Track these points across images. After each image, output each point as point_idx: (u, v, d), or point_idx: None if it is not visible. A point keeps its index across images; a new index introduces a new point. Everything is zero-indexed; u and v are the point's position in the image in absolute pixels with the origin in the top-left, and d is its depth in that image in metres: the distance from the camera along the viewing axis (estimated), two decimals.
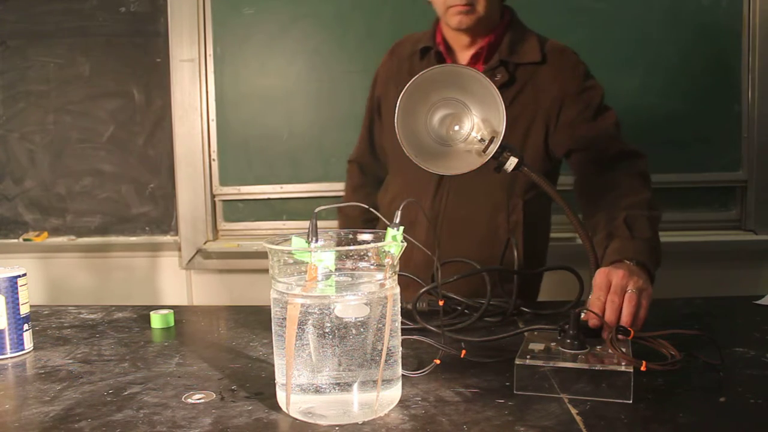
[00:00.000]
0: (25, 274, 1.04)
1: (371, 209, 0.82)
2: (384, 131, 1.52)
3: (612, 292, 0.96)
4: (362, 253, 0.75)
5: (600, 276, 0.99)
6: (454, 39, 1.41)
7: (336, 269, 0.73)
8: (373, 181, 1.61)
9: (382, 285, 0.75)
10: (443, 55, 1.41)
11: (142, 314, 1.28)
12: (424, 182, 1.39)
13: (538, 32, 1.43)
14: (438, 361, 0.88)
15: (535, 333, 0.93)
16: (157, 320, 1.19)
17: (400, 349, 0.79)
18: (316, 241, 0.78)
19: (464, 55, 1.41)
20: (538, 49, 1.37)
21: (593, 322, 0.94)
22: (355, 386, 0.74)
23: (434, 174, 1.36)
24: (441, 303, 0.92)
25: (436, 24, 1.44)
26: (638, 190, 1.22)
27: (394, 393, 0.78)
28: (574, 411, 0.75)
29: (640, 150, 1.32)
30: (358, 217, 1.54)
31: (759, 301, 1.24)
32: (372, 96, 1.56)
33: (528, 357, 0.82)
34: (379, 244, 0.77)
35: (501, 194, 1.38)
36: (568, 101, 1.35)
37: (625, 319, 0.93)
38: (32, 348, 1.07)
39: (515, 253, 1.18)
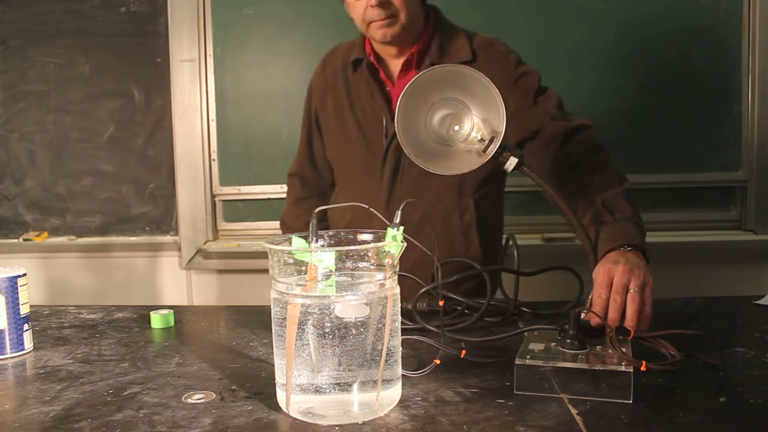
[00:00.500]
0: (25, 274, 1.05)
1: (372, 210, 0.82)
2: (327, 144, 1.51)
3: (614, 291, 0.96)
4: (362, 253, 0.75)
5: (601, 274, 0.98)
6: (383, 49, 1.41)
7: (336, 269, 0.73)
8: (316, 193, 1.60)
9: (382, 285, 0.75)
10: (374, 66, 1.41)
11: (142, 314, 1.28)
12: (374, 192, 1.39)
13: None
14: (438, 361, 0.88)
15: (535, 333, 0.93)
16: (157, 320, 1.19)
17: (400, 349, 0.79)
18: (316, 241, 0.78)
19: (395, 64, 1.41)
20: (468, 47, 1.37)
21: (595, 321, 0.94)
22: (355, 386, 0.74)
23: (384, 182, 1.38)
24: (441, 303, 0.92)
25: (365, 35, 1.43)
26: (602, 166, 1.20)
27: (394, 393, 0.78)
28: (574, 411, 0.75)
29: (586, 122, 1.31)
30: (300, 229, 1.54)
31: (759, 301, 1.24)
32: (308, 109, 1.55)
33: (528, 357, 0.82)
34: (379, 244, 0.77)
35: (451, 196, 1.39)
36: (505, 93, 1.32)
37: (631, 320, 0.93)
38: (32, 348, 1.07)
39: (515, 253, 1.18)
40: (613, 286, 0.96)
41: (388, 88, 1.41)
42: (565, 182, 1.22)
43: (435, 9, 1.43)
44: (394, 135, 1.36)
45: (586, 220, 1.14)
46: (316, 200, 1.59)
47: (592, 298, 0.99)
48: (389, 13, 1.29)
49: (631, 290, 0.95)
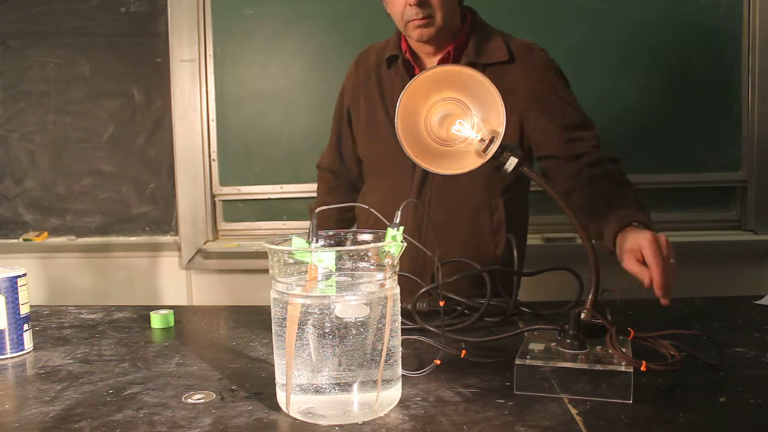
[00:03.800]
0: (25, 274, 1.05)
1: (372, 210, 0.82)
2: (358, 141, 1.53)
3: (662, 258, 1.00)
4: (362, 253, 0.75)
5: (648, 239, 1.01)
6: (419, 47, 1.41)
7: (336, 269, 0.73)
8: (346, 183, 1.63)
9: (382, 285, 0.75)
10: (410, 63, 1.41)
11: (142, 314, 1.28)
12: (405, 188, 1.39)
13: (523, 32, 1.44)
14: (438, 362, 0.88)
15: (535, 333, 0.93)
16: (157, 320, 1.19)
17: (400, 349, 0.79)
18: (317, 241, 0.78)
19: (431, 61, 1.42)
20: (505, 48, 1.37)
21: (648, 281, 1.00)
22: (355, 386, 0.74)
23: (414, 179, 1.39)
24: (442, 303, 0.92)
25: (400, 33, 1.44)
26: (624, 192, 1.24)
27: (394, 393, 0.78)
28: (574, 411, 0.75)
29: (612, 155, 1.34)
30: (332, 217, 1.57)
31: (759, 301, 1.24)
32: (340, 107, 1.57)
33: (528, 357, 0.82)
34: (379, 244, 0.77)
35: (482, 195, 1.40)
36: (546, 102, 1.36)
37: (669, 286, 0.99)
38: (32, 348, 1.07)
39: (515, 253, 1.18)
40: (652, 251, 1.00)
41: None
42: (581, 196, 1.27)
43: (472, 10, 1.44)
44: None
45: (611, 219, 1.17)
46: (347, 190, 1.62)
47: (591, 297, 0.99)
48: (427, 13, 1.30)
49: (672, 261, 1.01)
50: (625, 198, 1.19)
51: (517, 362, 0.81)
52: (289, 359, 0.74)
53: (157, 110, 2.34)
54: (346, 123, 1.55)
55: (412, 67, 1.42)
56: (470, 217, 1.40)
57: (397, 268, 0.78)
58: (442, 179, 1.37)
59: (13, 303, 1.02)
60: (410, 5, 1.29)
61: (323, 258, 0.72)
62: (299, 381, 0.74)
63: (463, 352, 0.91)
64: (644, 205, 1.20)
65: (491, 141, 0.95)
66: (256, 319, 1.23)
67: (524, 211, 1.51)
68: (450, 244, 1.37)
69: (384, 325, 0.74)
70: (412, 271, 1.22)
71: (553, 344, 0.86)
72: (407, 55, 1.42)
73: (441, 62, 1.39)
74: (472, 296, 1.19)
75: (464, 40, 1.39)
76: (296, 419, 0.75)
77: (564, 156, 1.34)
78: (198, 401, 0.82)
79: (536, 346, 0.86)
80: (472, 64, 1.34)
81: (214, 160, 2.32)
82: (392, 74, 1.44)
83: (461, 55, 1.38)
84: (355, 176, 1.60)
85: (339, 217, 1.58)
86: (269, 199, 2.33)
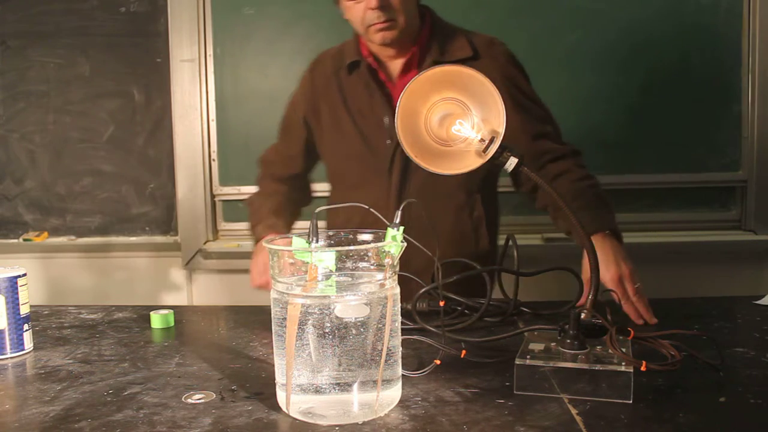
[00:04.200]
0: (25, 274, 1.05)
1: (372, 210, 0.82)
2: (323, 151, 1.49)
3: (632, 294, 1.14)
4: (362, 253, 0.75)
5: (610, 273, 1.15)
6: (381, 51, 1.39)
7: (336, 269, 0.73)
8: (290, 183, 1.57)
9: (382, 285, 0.75)
10: (373, 67, 1.39)
11: (142, 314, 1.28)
12: (383, 194, 1.38)
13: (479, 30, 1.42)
14: (438, 362, 0.88)
15: (535, 333, 0.93)
16: (157, 320, 1.19)
17: (400, 349, 0.79)
18: (317, 241, 0.78)
19: (395, 65, 1.40)
20: (468, 45, 1.37)
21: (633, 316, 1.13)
22: (355, 386, 0.74)
23: (392, 186, 1.38)
24: (442, 304, 0.92)
25: (358, 37, 1.42)
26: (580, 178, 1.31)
27: (394, 393, 0.78)
28: (574, 411, 0.75)
29: (573, 147, 1.38)
30: (286, 201, 1.53)
31: (759, 301, 1.24)
32: (293, 119, 1.52)
33: (528, 357, 0.82)
34: (379, 244, 0.77)
35: (461, 194, 1.40)
36: (510, 98, 1.35)
37: (649, 316, 1.13)
38: (32, 348, 1.07)
39: (515, 253, 1.18)
40: (630, 290, 1.15)
41: (388, 89, 1.40)
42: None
43: (429, 9, 1.42)
44: None
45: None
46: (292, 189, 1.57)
47: (591, 297, 0.99)
48: (388, 16, 1.28)
49: (638, 286, 1.15)
50: (586, 196, 1.26)
51: (517, 362, 0.81)
52: (289, 359, 0.74)
53: (157, 110, 2.34)
54: (302, 131, 1.50)
55: (376, 71, 1.39)
56: (453, 217, 1.40)
57: (397, 268, 0.78)
58: (421, 183, 1.37)
59: (13, 303, 1.02)
60: (371, 9, 1.27)
61: (323, 258, 0.72)
62: (299, 381, 0.74)
63: (463, 352, 0.91)
64: (607, 200, 1.28)
65: (491, 141, 0.95)
66: (256, 319, 1.23)
67: (497, 206, 1.51)
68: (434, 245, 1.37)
69: (384, 325, 0.74)
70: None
71: (553, 344, 0.86)
72: (370, 60, 1.39)
73: (406, 65, 1.38)
74: (458, 290, 1.19)
75: (426, 39, 1.38)
76: (296, 419, 0.75)
77: (529, 153, 1.33)
78: (198, 401, 0.81)
79: (536, 346, 0.86)
80: (438, 63, 1.34)
81: (214, 160, 2.32)
82: (354, 80, 1.41)
83: (425, 55, 1.37)
84: (298, 175, 1.57)
85: (290, 197, 1.55)
86: None
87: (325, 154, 1.50)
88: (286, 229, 1.49)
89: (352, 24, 1.36)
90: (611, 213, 1.26)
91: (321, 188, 2.13)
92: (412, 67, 1.38)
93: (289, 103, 1.56)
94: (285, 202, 1.53)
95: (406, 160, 1.37)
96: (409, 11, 1.32)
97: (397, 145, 1.37)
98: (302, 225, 1.54)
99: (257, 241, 1.45)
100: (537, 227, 2.17)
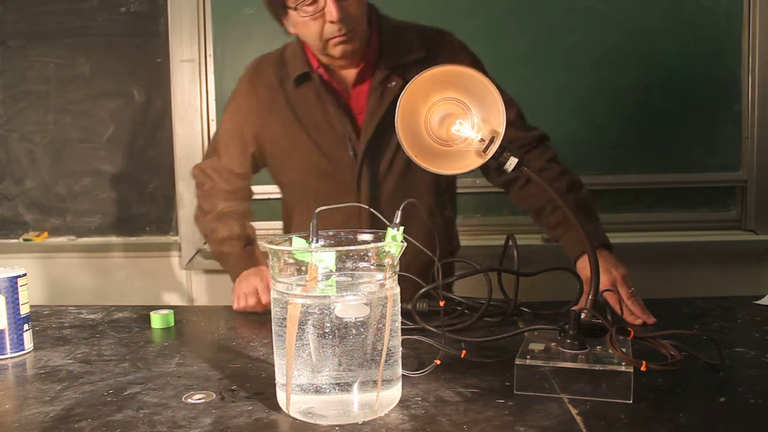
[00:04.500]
0: (25, 274, 1.05)
1: (372, 210, 0.82)
2: (281, 169, 1.43)
3: (626, 298, 1.14)
4: (362, 254, 0.75)
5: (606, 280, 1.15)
6: (334, 61, 1.31)
7: (336, 269, 0.73)
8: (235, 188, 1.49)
9: (382, 285, 0.75)
10: (326, 79, 1.32)
11: (142, 314, 1.28)
12: (355, 209, 1.31)
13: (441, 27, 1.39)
14: (438, 362, 0.88)
15: (535, 333, 0.93)
16: (157, 320, 1.19)
17: (400, 349, 0.79)
18: (317, 241, 0.78)
19: (349, 74, 1.34)
20: (420, 44, 1.33)
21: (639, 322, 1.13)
22: (355, 386, 0.74)
23: (362, 199, 1.32)
24: (442, 304, 0.92)
25: (303, 45, 1.34)
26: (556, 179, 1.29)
27: (394, 393, 0.78)
28: (574, 411, 0.75)
29: (544, 135, 1.36)
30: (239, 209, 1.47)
31: (759, 301, 1.24)
32: (237, 135, 1.42)
33: (528, 357, 0.82)
34: (380, 244, 0.77)
35: (432, 196, 1.40)
36: None
37: (646, 317, 1.13)
38: (32, 348, 1.07)
39: (515, 253, 1.18)
40: (625, 294, 1.15)
41: (344, 99, 1.34)
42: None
43: (374, 8, 1.35)
44: (366, 150, 1.31)
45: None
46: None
47: (591, 297, 0.99)
48: (348, 28, 1.22)
49: (633, 290, 1.15)
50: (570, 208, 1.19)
51: (517, 362, 0.81)
52: (289, 359, 0.74)
53: (157, 110, 2.34)
54: (249, 148, 1.42)
55: (330, 84, 1.33)
56: (428, 217, 1.38)
57: (397, 268, 0.78)
58: (392, 192, 1.35)
59: (13, 303, 1.02)
60: (332, 22, 1.20)
61: (323, 258, 0.72)
62: (299, 381, 0.74)
63: (463, 352, 0.92)
64: (591, 207, 1.28)
65: (491, 141, 0.95)
66: (256, 319, 1.23)
67: (455, 205, 1.51)
68: (412, 247, 1.36)
69: (384, 325, 0.74)
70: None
71: (553, 344, 0.86)
72: (321, 71, 1.32)
73: (360, 73, 1.32)
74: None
75: (377, 45, 1.33)
76: (296, 419, 0.75)
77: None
78: (198, 401, 0.82)
79: (536, 346, 0.86)
80: (394, 67, 1.30)
81: None
82: (305, 93, 1.34)
83: (379, 61, 1.31)
84: (243, 187, 1.49)
85: (245, 211, 1.48)
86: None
87: (282, 173, 1.43)
88: (256, 245, 1.44)
89: (304, 39, 1.29)
90: (598, 222, 1.26)
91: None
92: (367, 75, 1.33)
93: (227, 116, 1.45)
94: (242, 220, 1.46)
95: (374, 171, 1.34)
96: (364, 19, 1.27)
97: (364, 157, 1.32)
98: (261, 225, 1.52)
99: (236, 275, 1.38)
100: (537, 227, 2.17)
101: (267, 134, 1.40)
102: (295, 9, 1.22)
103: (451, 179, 1.47)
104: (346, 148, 1.34)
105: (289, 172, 1.42)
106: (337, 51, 1.26)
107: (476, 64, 1.36)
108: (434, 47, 1.34)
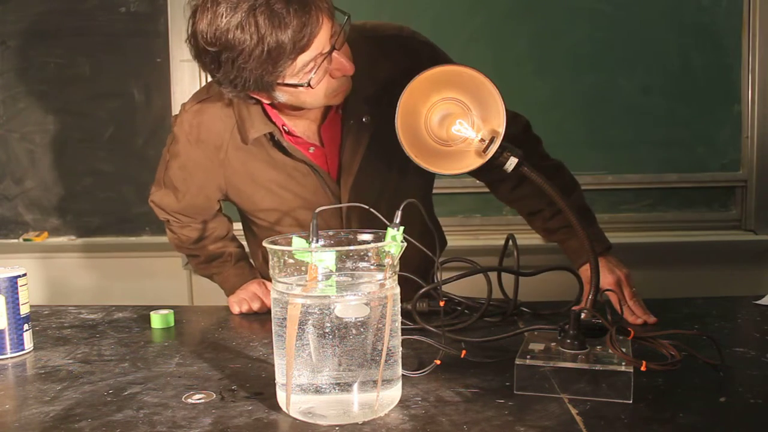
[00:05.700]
0: (25, 274, 1.05)
1: (372, 210, 0.82)
2: (257, 209, 1.29)
3: (629, 298, 1.16)
4: (362, 254, 0.75)
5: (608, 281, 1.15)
6: (305, 113, 1.17)
7: (336, 269, 0.73)
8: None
9: (382, 285, 0.75)
10: (295, 134, 1.19)
11: (142, 314, 1.28)
12: (339, 224, 1.25)
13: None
14: (438, 362, 0.88)
15: (535, 333, 0.93)
16: (157, 320, 1.19)
17: (400, 349, 0.79)
18: (317, 241, 0.78)
19: (312, 113, 1.18)
20: (387, 63, 1.18)
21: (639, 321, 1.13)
22: (355, 386, 0.74)
23: (344, 217, 1.24)
24: (442, 304, 0.92)
25: (262, 105, 1.15)
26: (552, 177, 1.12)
27: (394, 393, 0.78)
28: (574, 411, 0.75)
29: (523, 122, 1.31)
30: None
31: (759, 301, 1.24)
32: (195, 182, 1.27)
33: (528, 357, 0.82)
34: (379, 244, 0.77)
35: (418, 197, 1.33)
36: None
37: (647, 317, 1.14)
38: (32, 348, 1.07)
39: (515, 253, 1.18)
40: (627, 294, 1.16)
41: (314, 148, 1.21)
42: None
43: None
44: (350, 197, 1.20)
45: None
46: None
47: (591, 298, 0.99)
48: (349, 76, 1.09)
49: (634, 290, 1.16)
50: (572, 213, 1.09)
51: (518, 362, 0.81)
52: (289, 359, 0.74)
53: (157, 110, 2.33)
54: (214, 194, 1.30)
55: (297, 137, 1.19)
56: (419, 219, 1.26)
57: (397, 268, 0.78)
58: (373, 203, 1.21)
59: (13, 303, 1.02)
60: (346, 75, 1.07)
61: (323, 258, 0.72)
62: (299, 381, 0.74)
63: (463, 352, 0.92)
64: (588, 208, 1.26)
65: (491, 141, 0.95)
66: (256, 319, 1.23)
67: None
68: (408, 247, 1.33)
69: (384, 325, 0.74)
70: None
71: (553, 344, 0.86)
72: (288, 127, 1.17)
73: (324, 110, 1.19)
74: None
75: None
76: (296, 419, 0.75)
77: None
78: (198, 401, 0.82)
79: (536, 346, 0.86)
80: (365, 99, 1.17)
81: None
82: (267, 150, 1.19)
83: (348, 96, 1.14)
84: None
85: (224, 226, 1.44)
86: None
87: (254, 211, 1.30)
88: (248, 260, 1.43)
89: (298, 104, 1.10)
90: (597, 225, 1.24)
91: None
92: (335, 114, 1.20)
93: (175, 163, 1.27)
94: (224, 236, 1.44)
95: (355, 189, 1.21)
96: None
97: (349, 200, 1.20)
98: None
99: (231, 289, 1.38)
100: None
101: (229, 187, 1.27)
102: (301, 85, 1.04)
103: (430, 181, 1.40)
104: (321, 188, 1.22)
105: (264, 211, 1.29)
106: (337, 99, 1.13)
107: (447, 58, 1.23)
108: (391, 51, 1.21)
